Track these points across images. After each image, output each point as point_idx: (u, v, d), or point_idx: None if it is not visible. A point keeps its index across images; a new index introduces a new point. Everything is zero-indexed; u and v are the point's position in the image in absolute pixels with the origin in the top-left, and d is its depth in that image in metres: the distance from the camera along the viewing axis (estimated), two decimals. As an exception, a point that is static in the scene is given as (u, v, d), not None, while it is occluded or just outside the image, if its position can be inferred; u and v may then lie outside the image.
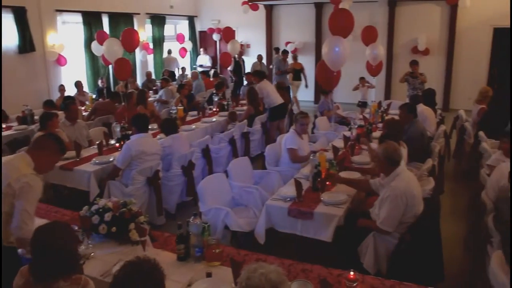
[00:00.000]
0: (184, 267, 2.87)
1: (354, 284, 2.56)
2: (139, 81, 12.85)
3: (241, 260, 2.77)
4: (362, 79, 10.79)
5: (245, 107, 8.50)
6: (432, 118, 7.16)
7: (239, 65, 13.19)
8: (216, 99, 9.00)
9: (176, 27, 15.67)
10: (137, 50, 12.10)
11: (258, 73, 8.67)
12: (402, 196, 3.49)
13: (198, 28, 16.13)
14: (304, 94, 13.48)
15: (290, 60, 12.47)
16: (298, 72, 12.36)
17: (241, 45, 13.39)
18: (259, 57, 13.43)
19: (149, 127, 6.07)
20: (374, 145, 5.28)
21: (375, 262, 3.63)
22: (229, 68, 12.86)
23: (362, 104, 10.74)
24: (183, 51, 14.72)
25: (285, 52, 12.31)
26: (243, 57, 13.78)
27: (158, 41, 14.16)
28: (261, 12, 14.38)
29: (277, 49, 13.15)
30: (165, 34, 14.50)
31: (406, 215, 3.55)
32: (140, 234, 3.10)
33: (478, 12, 12.16)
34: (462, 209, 5.80)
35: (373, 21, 11.89)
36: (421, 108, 7.04)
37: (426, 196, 4.07)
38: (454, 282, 4.11)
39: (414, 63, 9.63)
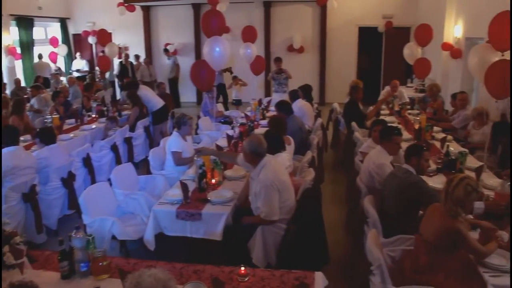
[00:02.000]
0: (69, 285, 2.71)
1: (246, 279, 2.64)
2: (8, 89, 11.75)
3: (130, 269, 2.70)
4: (234, 77, 11.12)
5: (126, 112, 8.26)
6: (311, 112, 7.58)
7: (125, 68, 12.73)
8: (94, 105, 8.61)
9: (46, 30, 14.59)
10: (3, 55, 11.08)
11: (130, 85, 8.41)
12: (273, 185, 3.66)
13: (72, 31, 15.16)
14: (189, 95, 13.53)
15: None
16: None
17: (119, 47, 12.93)
18: (146, 61, 13.12)
19: (22, 138, 5.61)
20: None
21: (264, 255, 3.75)
22: (115, 72, 12.37)
23: (237, 102, 11.07)
24: (53, 55, 13.61)
25: None
26: (131, 60, 13.36)
27: (27, 45, 12.98)
28: (138, 13, 14.03)
29: None
30: (34, 37, 13.36)
31: (283, 198, 3.75)
32: (16, 256, 2.87)
33: (345, 13, 13.18)
34: (341, 195, 6.20)
35: (250, 21, 12.23)
36: (301, 103, 7.41)
37: (307, 186, 4.29)
38: (339, 263, 4.42)
39: (278, 60, 10.11)
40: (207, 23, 6.55)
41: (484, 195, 3.95)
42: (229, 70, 11.65)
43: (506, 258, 2.91)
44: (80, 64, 14.54)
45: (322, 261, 3.84)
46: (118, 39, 14.01)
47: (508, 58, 5.23)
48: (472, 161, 5.01)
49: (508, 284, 2.71)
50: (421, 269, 2.96)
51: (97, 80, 12.43)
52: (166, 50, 13.57)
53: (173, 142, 5.36)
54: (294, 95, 7.59)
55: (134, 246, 4.41)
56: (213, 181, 4.46)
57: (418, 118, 6.83)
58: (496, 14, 5.16)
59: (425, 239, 3.00)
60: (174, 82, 13.56)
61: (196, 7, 13.70)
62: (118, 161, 6.64)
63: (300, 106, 7.34)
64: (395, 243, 3.41)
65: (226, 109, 10.69)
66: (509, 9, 5.21)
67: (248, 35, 9.51)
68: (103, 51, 11.13)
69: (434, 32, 9.07)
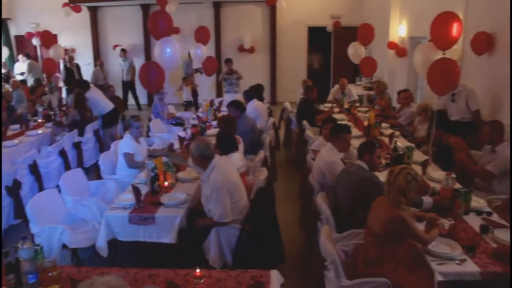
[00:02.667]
0: (17, 298, 2.62)
1: (201, 281, 2.63)
2: None
3: (82, 278, 2.63)
4: (185, 79, 11.06)
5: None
6: (265, 112, 7.67)
7: (71, 72, 12.32)
8: (40, 109, 8.31)
9: (-16, 31, 13.90)
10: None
11: (81, 84, 8.18)
12: (223, 186, 3.67)
13: (14, 32, 14.53)
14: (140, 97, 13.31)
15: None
16: None
17: (65, 49, 12.52)
18: (100, 63, 12.75)
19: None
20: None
21: (220, 256, 3.75)
22: (60, 76, 11.96)
23: (188, 104, 11.01)
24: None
25: None
26: (78, 62, 12.93)
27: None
28: (85, 14, 13.62)
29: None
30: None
31: (234, 199, 3.77)
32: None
33: (294, 13, 13.37)
34: (294, 193, 6.28)
35: (200, 22, 12.16)
36: (256, 103, 7.49)
37: (261, 185, 4.33)
38: (295, 260, 4.47)
39: (228, 61, 10.15)
40: (154, 24, 6.46)
41: (430, 187, 4.14)
42: (199, 70, 11.56)
43: (450, 246, 3.05)
44: (23, 67, 13.95)
45: (278, 259, 3.89)
46: (64, 41, 13.56)
47: (449, 56, 5.48)
48: (418, 155, 5.20)
49: (452, 270, 2.85)
50: (371, 261, 3.06)
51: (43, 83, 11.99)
52: (123, 51, 13.19)
53: (125, 144, 5.27)
54: (249, 95, 7.62)
55: (86, 253, 4.29)
56: (166, 183, 4.41)
57: (367, 115, 7.03)
58: (437, 14, 5.39)
59: (373, 231, 3.11)
60: (131, 84, 13.23)
61: (145, 8, 13.46)
62: (67, 167, 6.44)
63: (255, 106, 7.41)
64: (348, 238, 3.50)
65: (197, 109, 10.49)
66: (448, 10, 5.46)
67: (201, 35, 9.46)
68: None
69: (379, 31, 9.35)
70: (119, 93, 12.61)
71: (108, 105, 7.89)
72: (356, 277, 2.97)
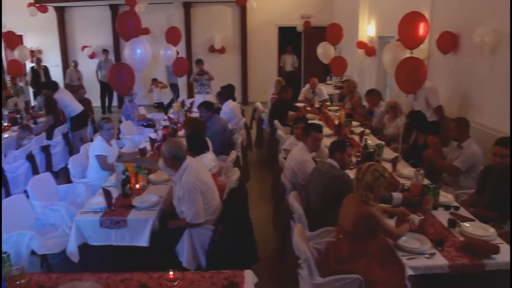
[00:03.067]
0: (-16, 308, 2.55)
1: (175, 283, 2.61)
2: None
3: (53, 285, 2.59)
4: (154, 80, 10.98)
5: (42, 119, 7.85)
6: (239, 113, 7.67)
7: (37, 74, 12.03)
8: (6, 112, 8.09)
9: None
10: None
11: (49, 85, 8.01)
12: (195, 187, 3.67)
13: (-25, 32, 14.12)
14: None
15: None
16: None
17: (31, 51, 12.23)
18: (74, 64, 12.46)
19: None
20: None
21: (193, 258, 3.74)
22: (27, 78, 11.66)
23: (159, 105, 10.93)
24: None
25: None
26: (46, 65, 12.62)
27: None
28: (52, 14, 13.33)
29: None
30: None
31: (207, 200, 3.77)
32: None
33: (264, 13, 13.41)
34: (267, 192, 6.29)
35: (170, 23, 12.08)
36: (232, 104, 7.52)
37: (233, 186, 4.33)
38: (268, 259, 4.49)
39: (199, 62, 10.14)
40: (122, 25, 6.37)
41: (400, 183, 4.22)
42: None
43: (420, 241, 3.12)
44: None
45: (251, 259, 3.90)
46: (30, 42, 13.25)
47: (417, 55, 5.60)
48: (388, 153, 5.30)
49: (422, 264, 2.91)
50: (343, 258, 3.10)
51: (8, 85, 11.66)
52: (105, 51, 12.89)
53: (97, 146, 5.19)
54: (223, 96, 7.60)
55: (56, 259, 4.21)
56: (137, 186, 4.37)
57: (337, 114, 7.11)
58: (404, 14, 5.50)
59: (345, 229, 3.15)
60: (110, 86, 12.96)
61: (114, 8, 13.26)
62: (35, 171, 6.28)
63: (231, 107, 7.43)
64: (320, 236, 3.54)
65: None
66: (415, 10, 5.58)
67: (172, 36, 9.38)
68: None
69: (349, 31, 9.47)
70: (97, 94, 12.48)
71: (77, 107, 7.74)
72: (329, 275, 3.01)
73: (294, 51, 13.89)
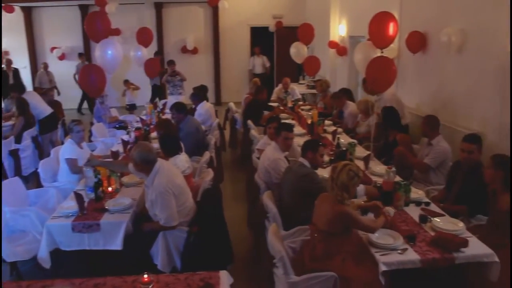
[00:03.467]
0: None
1: (150, 287, 2.58)
2: None
3: (23, 292, 2.53)
4: (126, 81, 10.85)
5: (10, 122, 7.65)
6: (213, 113, 7.65)
7: (6, 75, 11.70)
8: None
9: None
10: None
11: (15, 87, 7.82)
12: (168, 190, 3.63)
13: None
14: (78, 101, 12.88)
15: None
16: None
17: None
18: (45, 66, 12.16)
19: None
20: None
21: (168, 260, 3.71)
22: None
23: (130, 107, 10.82)
24: None
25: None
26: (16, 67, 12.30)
27: None
28: (19, 15, 13.03)
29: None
30: None
31: (180, 202, 3.74)
32: None
33: (236, 13, 13.42)
34: (241, 193, 6.31)
35: (142, 23, 11.96)
36: (207, 105, 7.51)
37: (207, 187, 4.31)
38: (244, 259, 4.50)
39: (171, 63, 10.08)
40: (91, 26, 6.28)
41: (373, 181, 4.28)
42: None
43: (393, 237, 3.18)
44: None
45: (227, 259, 3.90)
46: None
47: (387, 55, 5.69)
48: (360, 151, 5.37)
49: (395, 259, 2.97)
50: (318, 256, 3.12)
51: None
52: (81, 55, 12.60)
53: (66, 149, 5.10)
54: (197, 98, 7.55)
55: (27, 266, 4.10)
56: (110, 189, 4.31)
57: (310, 113, 7.16)
58: (374, 14, 5.59)
59: (319, 227, 3.18)
60: None
61: (84, 9, 13.03)
62: (3, 176, 6.12)
63: (206, 108, 7.42)
64: (295, 235, 3.56)
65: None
66: (385, 10, 5.67)
67: (143, 37, 9.29)
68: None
69: (320, 31, 9.55)
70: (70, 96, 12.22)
71: (46, 110, 7.58)
72: (304, 273, 3.03)
73: (264, 52, 13.72)
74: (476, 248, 3.06)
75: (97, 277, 2.75)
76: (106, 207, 3.92)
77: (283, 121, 5.90)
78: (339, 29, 10.69)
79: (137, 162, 3.69)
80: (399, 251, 3.03)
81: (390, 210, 3.37)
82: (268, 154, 4.57)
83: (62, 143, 6.42)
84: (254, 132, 6.51)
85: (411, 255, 3.00)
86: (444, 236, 3.13)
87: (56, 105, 8.37)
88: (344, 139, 5.84)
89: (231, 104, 8.84)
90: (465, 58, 5.50)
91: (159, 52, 11.23)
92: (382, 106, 6.06)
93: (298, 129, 6.62)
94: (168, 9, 13.46)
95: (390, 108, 5.73)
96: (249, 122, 7.01)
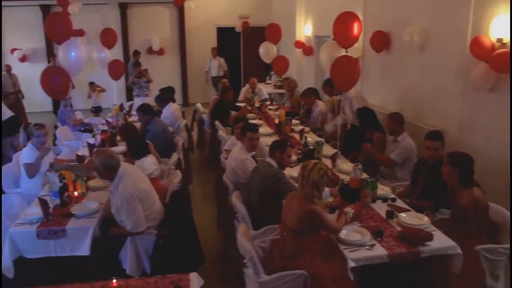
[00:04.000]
0: None
1: (119, 291, 2.56)
2: None
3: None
4: (91, 83, 10.66)
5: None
6: (180, 115, 7.60)
7: None
8: None
9: None
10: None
11: None
12: (133, 195, 3.56)
13: None
14: (42, 104, 12.53)
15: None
16: None
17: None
18: (7, 68, 11.72)
19: None
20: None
21: (138, 264, 3.66)
22: None
23: (96, 109, 10.62)
24: None
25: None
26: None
27: None
28: (-25, 15, 12.58)
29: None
30: None
31: (147, 206, 3.69)
32: None
33: (202, 13, 13.36)
34: (210, 193, 6.30)
35: (106, 24, 11.72)
36: (174, 107, 7.45)
37: (175, 189, 4.28)
38: (214, 260, 4.49)
39: (137, 64, 10.03)
40: (52, 27, 6.13)
41: (340, 179, 4.35)
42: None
43: (361, 233, 3.24)
44: None
45: (197, 261, 3.88)
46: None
47: (352, 54, 5.78)
48: (327, 149, 5.43)
49: (363, 255, 3.02)
50: (288, 255, 3.15)
51: None
52: (53, 56, 12.21)
53: (25, 154, 4.94)
54: (163, 100, 7.46)
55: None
56: (76, 193, 4.22)
57: (277, 113, 7.20)
58: (338, 14, 5.67)
59: (288, 226, 3.21)
60: None
61: (45, 9, 12.65)
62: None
63: (172, 110, 7.35)
64: (264, 234, 3.58)
65: None
66: (349, 10, 5.76)
67: (107, 38, 9.11)
68: None
69: (287, 31, 9.61)
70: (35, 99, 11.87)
71: (5, 113, 7.33)
72: (274, 272, 3.05)
73: (231, 52, 13.67)
74: (440, 241, 3.15)
75: (65, 284, 2.69)
76: (72, 212, 3.83)
77: (250, 121, 5.92)
78: (305, 29, 10.80)
79: (100, 170, 3.60)
80: (367, 247, 3.08)
81: (350, 211, 3.43)
82: (235, 154, 4.58)
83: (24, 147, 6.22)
84: (221, 132, 6.49)
85: (379, 251, 3.06)
86: (410, 231, 3.21)
87: (18, 109, 8.13)
88: (312, 138, 5.90)
89: (199, 105, 8.79)
90: (427, 57, 5.65)
91: (138, 52, 11.01)
92: (347, 104, 6.16)
93: (265, 129, 6.65)
94: (133, 9, 13.27)
95: (365, 108, 5.80)
96: (217, 122, 7.00)
